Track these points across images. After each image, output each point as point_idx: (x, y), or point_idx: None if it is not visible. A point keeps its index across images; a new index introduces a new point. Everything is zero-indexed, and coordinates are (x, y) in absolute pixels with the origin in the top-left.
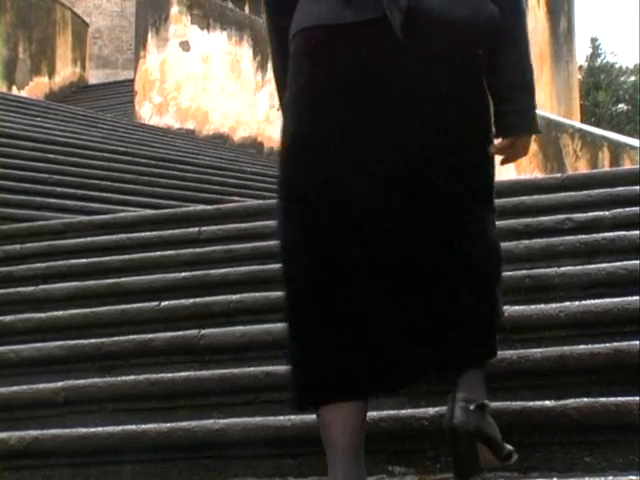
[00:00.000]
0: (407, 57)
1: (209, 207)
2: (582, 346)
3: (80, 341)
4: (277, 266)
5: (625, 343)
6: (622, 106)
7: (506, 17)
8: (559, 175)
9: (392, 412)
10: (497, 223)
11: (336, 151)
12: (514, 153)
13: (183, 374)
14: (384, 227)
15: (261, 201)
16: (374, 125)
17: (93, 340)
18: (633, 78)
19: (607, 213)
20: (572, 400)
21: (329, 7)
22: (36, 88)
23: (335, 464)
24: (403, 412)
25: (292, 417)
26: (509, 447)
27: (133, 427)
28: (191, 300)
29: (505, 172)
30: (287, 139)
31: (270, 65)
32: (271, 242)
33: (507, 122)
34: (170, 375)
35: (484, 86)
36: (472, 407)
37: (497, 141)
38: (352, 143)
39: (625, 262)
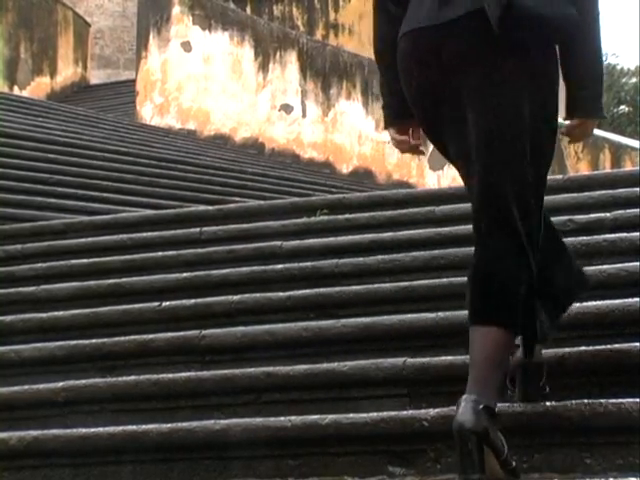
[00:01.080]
0: (500, 47)
1: (210, 207)
2: (582, 347)
3: (81, 341)
4: (278, 266)
5: (625, 345)
6: (623, 108)
7: (585, 19)
8: (560, 177)
9: (392, 413)
10: None
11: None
12: (582, 133)
13: (184, 374)
14: None
15: (262, 202)
16: (469, 116)
17: (94, 340)
18: (634, 80)
19: (608, 215)
20: (572, 401)
21: (429, 8)
22: (37, 88)
23: None
24: (403, 413)
25: (292, 418)
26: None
27: (134, 427)
28: (192, 300)
29: None
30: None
31: (271, 66)
32: (272, 242)
33: (581, 106)
34: (171, 375)
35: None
36: (481, 407)
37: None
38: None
39: (626, 264)
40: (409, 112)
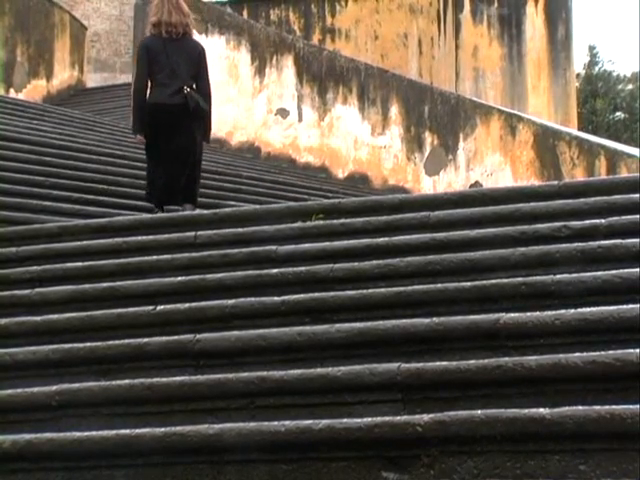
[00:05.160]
0: (187, 112)
1: (205, 211)
2: (577, 354)
3: (75, 345)
4: (273, 271)
5: (620, 351)
6: (619, 114)
7: (210, 109)
8: (556, 182)
9: (387, 418)
10: (493, 230)
11: (162, 134)
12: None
13: (178, 379)
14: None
15: (257, 206)
16: (175, 131)
17: (88, 344)
18: (630, 86)
19: (603, 221)
20: (567, 408)
21: (163, 95)
22: (34, 91)
23: None
24: (397, 418)
25: (286, 423)
26: None
27: (127, 431)
28: (187, 305)
29: (502, 179)
30: (148, 132)
31: (268, 70)
32: (267, 247)
33: (208, 138)
34: (165, 379)
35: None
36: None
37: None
38: (168, 133)
39: (621, 270)
40: (144, 128)
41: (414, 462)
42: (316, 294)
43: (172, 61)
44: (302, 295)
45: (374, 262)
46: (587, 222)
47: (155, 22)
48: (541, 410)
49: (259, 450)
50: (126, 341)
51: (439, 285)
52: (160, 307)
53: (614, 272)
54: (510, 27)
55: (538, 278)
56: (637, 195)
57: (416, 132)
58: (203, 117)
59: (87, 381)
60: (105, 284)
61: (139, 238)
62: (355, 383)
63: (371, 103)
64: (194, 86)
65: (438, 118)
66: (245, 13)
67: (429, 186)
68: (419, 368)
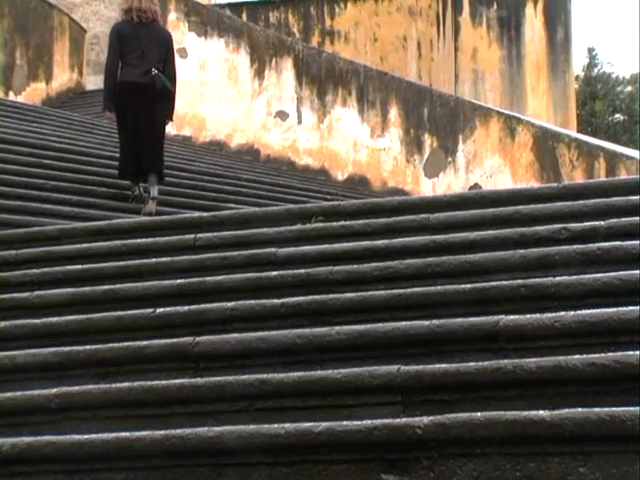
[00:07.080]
0: (154, 90)
1: (205, 214)
2: (577, 356)
3: (75, 347)
4: (272, 273)
5: (620, 353)
6: (618, 116)
7: (174, 90)
8: (555, 185)
9: (386, 421)
10: (492, 232)
11: (131, 110)
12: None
13: (177, 381)
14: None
15: (257, 208)
16: (142, 108)
17: (88, 346)
18: (630, 88)
19: (603, 223)
20: (567, 410)
21: (133, 74)
22: (33, 94)
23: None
24: (397, 421)
25: (286, 425)
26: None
27: (127, 434)
28: (186, 307)
29: (501, 181)
30: (118, 108)
31: (267, 73)
32: (267, 249)
33: (171, 117)
34: (164, 382)
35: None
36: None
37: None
38: (135, 110)
39: (620, 272)
40: (113, 105)
41: (414, 464)
42: (316, 296)
43: (143, 44)
44: (302, 297)
45: (374, 264)
46: (586, 224)
47: (126, 8)
48: (541, 412)
49: (259, 453)
50: (126, 344)
51: (439, 287)
52: (160, 310)
53: (614, 274)
54: (509, 29)
55: (538, 280)
56: (636, 197)
57: (415, 134)
58: (168, 97)
59: (87, 384)
60: (105, 287)
61: (139, 241)
62: (355, 385)
63: (370, 105)
64: (161, 68)
65: (437, 120)
66: (244, 15)
67: (428, 188)
68: (419, 370)
